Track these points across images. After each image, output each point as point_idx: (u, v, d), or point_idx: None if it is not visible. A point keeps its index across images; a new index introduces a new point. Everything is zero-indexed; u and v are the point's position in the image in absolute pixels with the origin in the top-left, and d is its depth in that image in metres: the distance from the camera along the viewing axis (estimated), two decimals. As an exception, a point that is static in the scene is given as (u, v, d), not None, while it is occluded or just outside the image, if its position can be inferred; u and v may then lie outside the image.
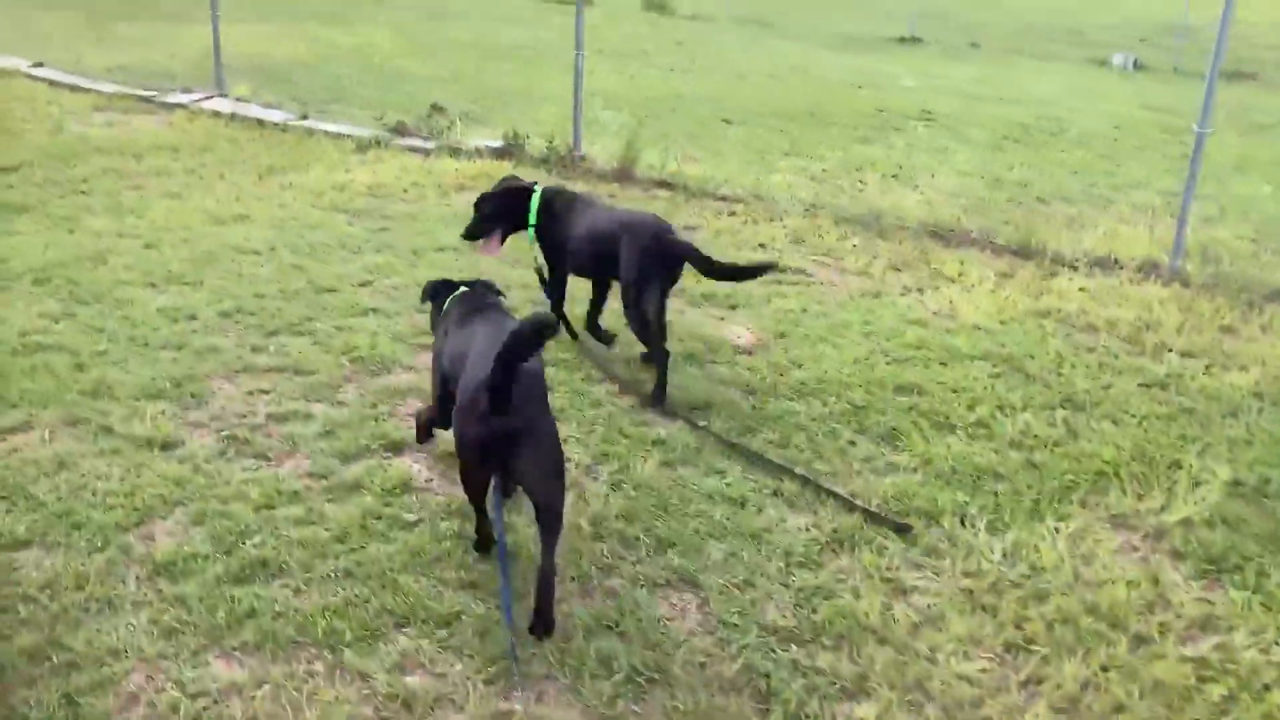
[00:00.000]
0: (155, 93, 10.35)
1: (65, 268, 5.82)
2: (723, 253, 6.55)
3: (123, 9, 17.06)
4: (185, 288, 5.62)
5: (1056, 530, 3.77)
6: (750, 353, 5.13)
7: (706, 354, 5.09)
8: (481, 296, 3.85)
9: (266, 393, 4.51)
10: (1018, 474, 4.13)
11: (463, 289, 3.91)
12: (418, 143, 8.89)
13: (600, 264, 4.85)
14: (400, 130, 9.18)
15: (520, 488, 3.37)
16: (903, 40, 19.32)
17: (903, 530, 3.73)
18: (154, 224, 6.66)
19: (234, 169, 8.03)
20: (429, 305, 4.06)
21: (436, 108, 9.32)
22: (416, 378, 4.72)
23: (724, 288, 5.93)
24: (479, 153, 8.56)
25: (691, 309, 5.69)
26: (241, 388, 4.54)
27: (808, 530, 3.70)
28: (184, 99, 10.08)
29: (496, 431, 3.08)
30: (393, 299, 5.61)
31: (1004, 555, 3.61)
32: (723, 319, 5.56)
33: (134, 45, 13.35)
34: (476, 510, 3.41)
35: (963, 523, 3.79)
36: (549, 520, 3.14)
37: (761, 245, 6.75)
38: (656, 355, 4.66)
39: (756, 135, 10.04)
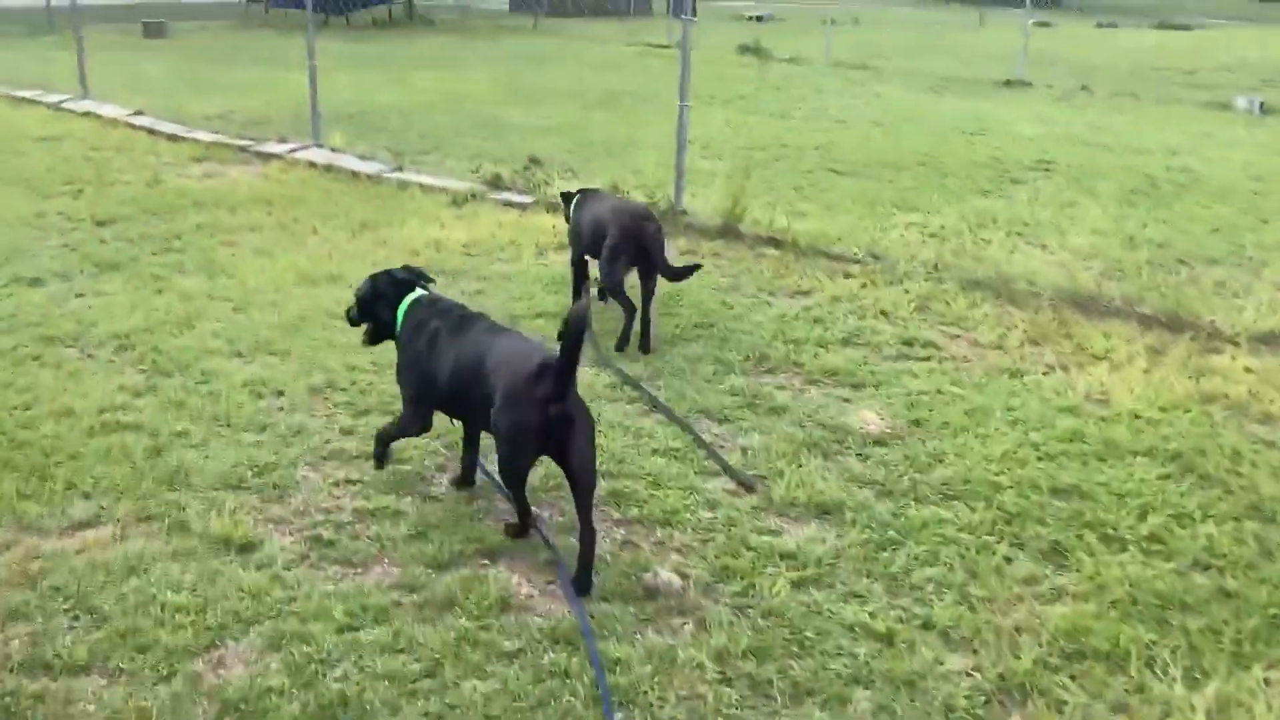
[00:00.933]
0: (251, 142, 10.27)
1: (151, 333, 5.57)
2: (843, 321, 6.08)
3: (223, 55, 17.32)
4: (273, 358, 5.31)
5: (1267, 682, 3.17)
6: (883, 443, 4.61)
7: (833, 444, 4.58)
8: (452, 303, 4.12)
9: (354, 484, 4.13)
10: (1210, 605, 3.54)
11: (420, 293, 4.15)
12: (514, 197, 8.58)
13: (598, 244, 5.69)
14: (496, 183, 8.89)
15: (565, 469, 3.57)
16: (1008, 84, 18.63)
17: (750, 488, 4.12)
18: (245, 285, 6.40)
19: (327, 223, 7.80)
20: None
21: (534, 161, 9.02)
22: (515, 468, 4.31)
23: (845, 364, 5.43)
24: (577, 207, 8.20)
25: (812, 387, 5.19)
26: (328, 477, 4.18)
27: (969, 675, 3.16)
28: (279, 149, 9.96)
29: (556, 417, 3.39)
30: (489, 373, 5.23)
31: (1208, 716, 3.03)
32: (847, 400, 5.05)
33: (233, 92, 13.42)
34: (520, 500, 3.68)
35: (1152, 668, 3.22)
36: (587, 494, 3.49)
37: (884, 313, 6.23)
38: (625, 308, 5.58)
39: (867, 187, 9.53)
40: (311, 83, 10.17)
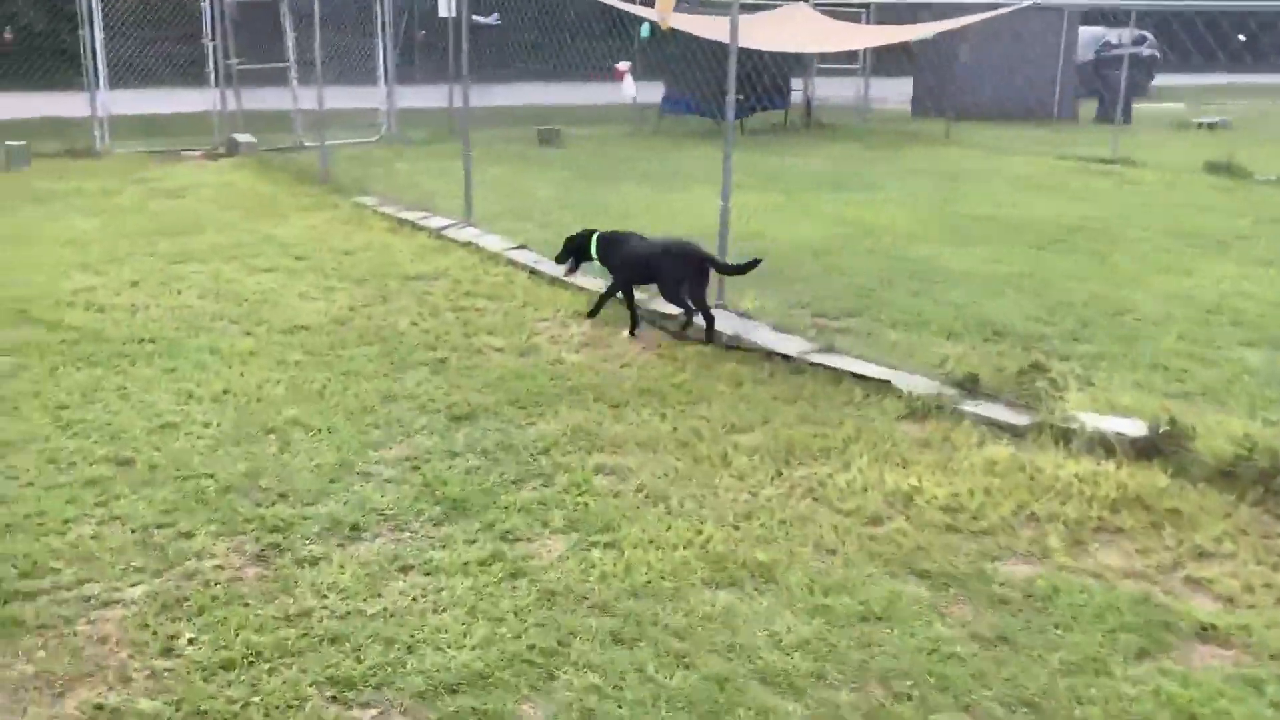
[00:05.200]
0: (643, 296, 8.38)
1: (488, 686, 3.50)
2: None
3: (613, 168, 16.09)
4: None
5: None
6: None
7: None
8: None
9: None
10: None
11: None
12: (1001, 412, 5.97)
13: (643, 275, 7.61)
14: (969, 387, 6.32)
15: None
16: None
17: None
18: (629, 569, 4.26)
19: (741, 444, 5.59)
20: None
21: (1036, 367, 6.36)
22: None
23: None
24: (1105, 446, 5.44)
25: None
26: None
27: None
28: (676, 308, 7.97)
29: None
30: None
31: None
32: None
33: (622, 219, 11.82)
34: None
35: None
36: None
37: None
38: (686, 311, 7.47)
39: None
40: (723, 226, 8.13)
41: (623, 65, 16.32)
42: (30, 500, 4.86)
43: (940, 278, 9.40)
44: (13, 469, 5.20)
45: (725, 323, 7.62)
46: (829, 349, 7.07)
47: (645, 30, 8.22)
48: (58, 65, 25.85)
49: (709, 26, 9.18)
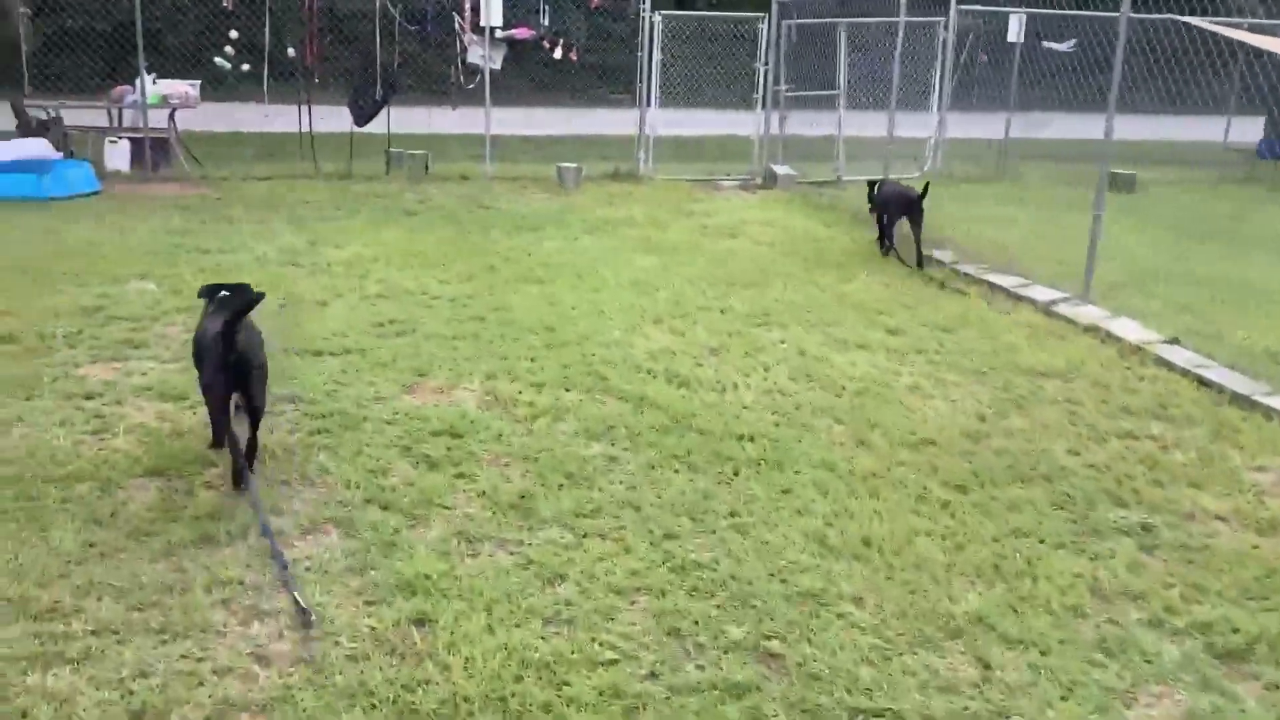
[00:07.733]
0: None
1: None
2: None
3: (1228, 230, 13.01)
4: None
5: None
6: None
7: None
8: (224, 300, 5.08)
9: None
10: None
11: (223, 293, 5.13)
12: None
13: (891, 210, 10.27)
14: None
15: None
16: None
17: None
18: None
19: None
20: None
21: None
22: None
23: None
24: None
25: None
26: None
27: None
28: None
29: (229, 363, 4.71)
30: None
31: None
32: None
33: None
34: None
35: None
36: (257, 416, 4.93)
37: None
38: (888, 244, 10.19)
39: None
40: None
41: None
42: (661, 714, 3.52)
43: None
44: (629, 638, 3.95)
45: None
46: None
47: None
48: (593, 81, 26.95)
49: None
